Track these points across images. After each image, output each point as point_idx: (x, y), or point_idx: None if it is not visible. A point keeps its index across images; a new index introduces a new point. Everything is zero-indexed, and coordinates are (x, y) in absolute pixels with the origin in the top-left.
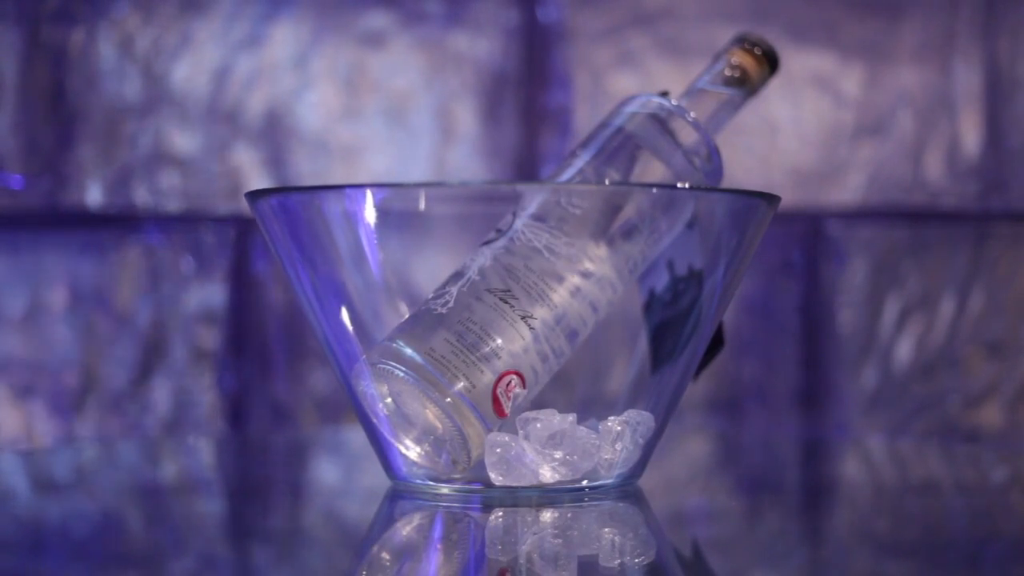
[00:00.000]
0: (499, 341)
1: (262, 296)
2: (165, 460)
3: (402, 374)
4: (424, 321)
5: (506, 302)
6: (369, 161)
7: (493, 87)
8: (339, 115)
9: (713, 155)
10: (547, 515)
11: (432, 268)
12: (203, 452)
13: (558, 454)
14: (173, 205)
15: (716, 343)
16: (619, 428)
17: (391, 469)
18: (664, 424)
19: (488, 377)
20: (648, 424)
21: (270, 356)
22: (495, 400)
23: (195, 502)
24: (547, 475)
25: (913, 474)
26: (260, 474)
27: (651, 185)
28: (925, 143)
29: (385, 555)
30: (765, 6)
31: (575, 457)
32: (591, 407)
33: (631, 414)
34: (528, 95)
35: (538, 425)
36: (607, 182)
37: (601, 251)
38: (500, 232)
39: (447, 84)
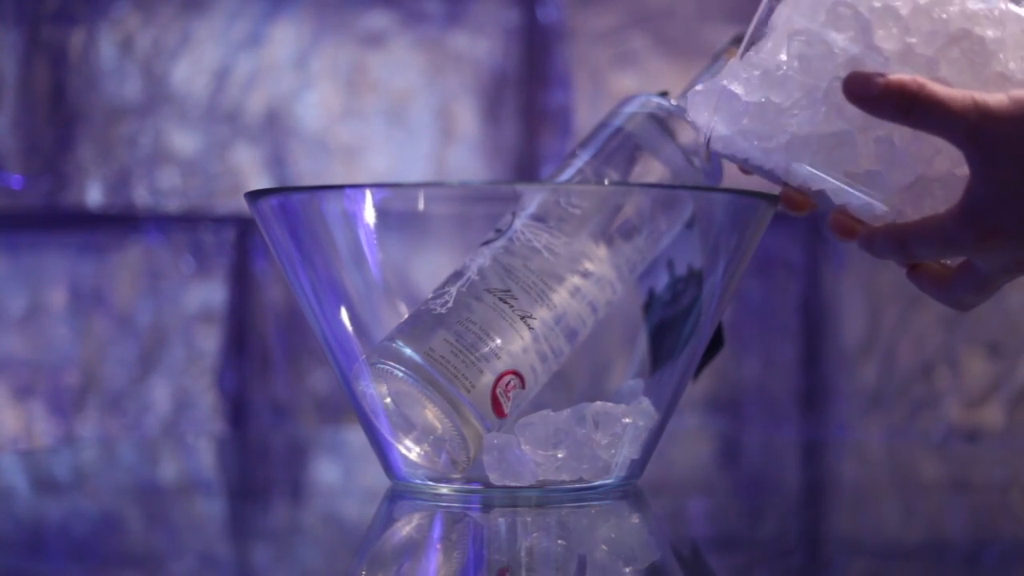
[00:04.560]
0: (498, 341)
1: (262, 296)
2: (165, 460)
3: (402, 374)
4: (424, 321)
5: (505, 302)
6: (369, 161)
7: (493, 87)
8: (339, 115)
9: (712, 155)
10: (547, 515)
11: (432, 268)
12: (203, 452)
13: (560, 453)
14: (173, 205)
15: (716, 343)
16: (619, 429)
17: (391, 469)
18: (664, 424)
19: (487, 377)
20: (649, 413)
21: (270, 356)
22: (494, 400)
23: (195, 502)
24: (546, 475)
25: (913, 474)
26: (260, 474)
27: (651, 185)
28: None
29: (385, 555)
30: None
31: (574, 458)
32: None
33: (630, 410)
34: (528, 95)
35: (535, 428)
36: (607, 182)
37: (601, 251)
38: (500, 232)
39: (447, 84)
